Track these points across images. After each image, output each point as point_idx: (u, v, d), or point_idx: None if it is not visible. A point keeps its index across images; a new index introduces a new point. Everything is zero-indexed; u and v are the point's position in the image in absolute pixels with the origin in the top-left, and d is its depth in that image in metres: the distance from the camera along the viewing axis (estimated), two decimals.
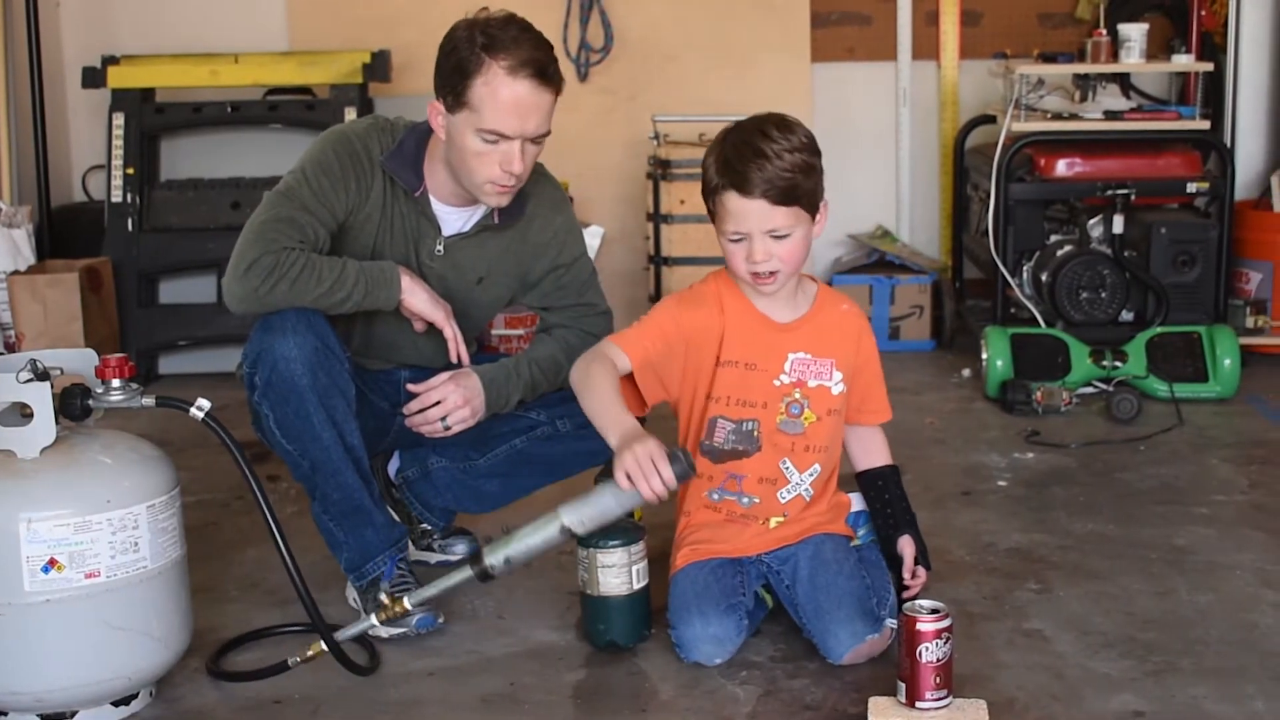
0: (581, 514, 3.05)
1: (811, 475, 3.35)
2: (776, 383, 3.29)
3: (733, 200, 3.12)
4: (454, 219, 3.51)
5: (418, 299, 3.41)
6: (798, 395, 3.30)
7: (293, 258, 3.25)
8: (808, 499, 3.37)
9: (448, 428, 3.46)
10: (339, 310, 3.34)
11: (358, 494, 3.38)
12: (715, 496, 3.35)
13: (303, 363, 3.23)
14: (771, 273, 3.17)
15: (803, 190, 3.11)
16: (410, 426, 3.50)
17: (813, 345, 3.31)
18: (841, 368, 3.33)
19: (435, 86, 3.34)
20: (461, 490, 3.75)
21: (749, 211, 3.11)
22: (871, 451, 3.51)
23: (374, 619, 3.10)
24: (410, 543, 3.75)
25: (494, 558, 3.06)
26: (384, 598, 3.08)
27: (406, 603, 3.07)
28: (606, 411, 3.11)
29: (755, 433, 3.30)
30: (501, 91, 3.23)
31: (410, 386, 3.50)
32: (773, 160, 3.08)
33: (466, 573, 3.08)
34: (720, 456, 3.33)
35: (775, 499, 3.35)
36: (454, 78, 3.27)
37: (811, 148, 3.15)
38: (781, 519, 3.36)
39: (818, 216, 3.20)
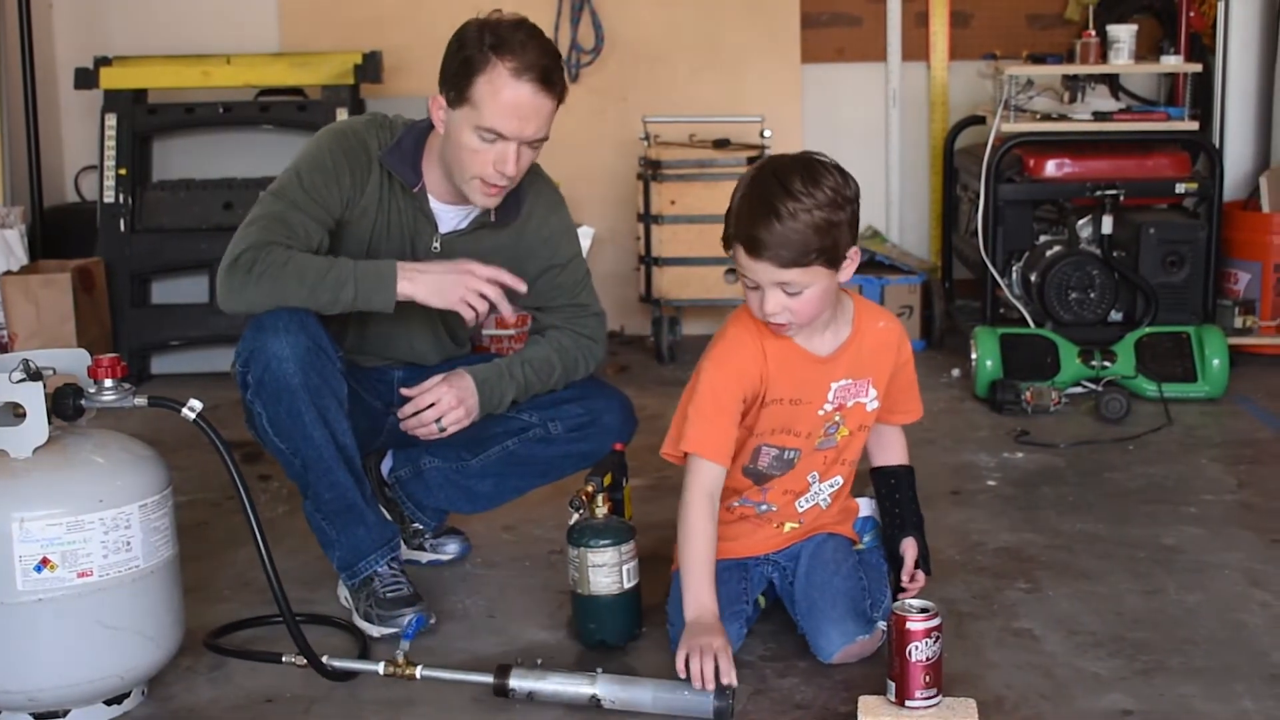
0: (616, 693, 3.00)
1: (832, 486, 3.37)
2: (821, 412, 3.27)
3: (741, 256, 3.03)
4: (451, 216, 3.51)
5: (421, 288, 3.32)
6: (837, 418, 3.30)
7: (275, 254, 3.25)
8: (824, 507, 3.38)
9: (443, 429, 3.47)
10: (330, 310, 3.32)
11: (350, 493, 3.39)
12: (735, 503, 3.36)
13: (294, 362, 3.24)
14: (788, 324, 3.10)
15: (816, 250, 2.97)
16: (405, 430, 3.50)
17: (854, 370, 3.27)
18: (878, 384, 3.32)
19: (440, 81, 3.34)
20: (454, 490, 3.75)
21: (754, 268, 3.01)
22: (889, 449, 3.51)
23: (380, 668, 3.08)
24: (402, 542, 3.77)
25: (519, 684, 3.02)
26: (400, 655, 3.07)
27: (418, 672, 3.06)
28: (695, 583, 3.13)
29: (795, 460, 3.31)
30: (504, 92, 3.24)
31: (404, 391, 3.50)
32: (784, 221, 2.94)
33: (487, 679, 3.04)
34: (760, 479, 3.33)
35: (793, 507, 3.36)
36: (459, 74, 3.27)
37: (835, 202, 2.99)
38: (796, 525, 3.37)
39: (845, 264, 3.08)
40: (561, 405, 3.61)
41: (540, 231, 3.61)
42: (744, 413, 3.24)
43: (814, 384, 3.24)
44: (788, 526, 3.37)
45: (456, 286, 3.34)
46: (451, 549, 3.91)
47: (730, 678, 2.96)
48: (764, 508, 3.36)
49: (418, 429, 3.48)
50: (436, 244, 3.51)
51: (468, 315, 3.36)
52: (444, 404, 3.44)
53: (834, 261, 3.03)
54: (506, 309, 3.44)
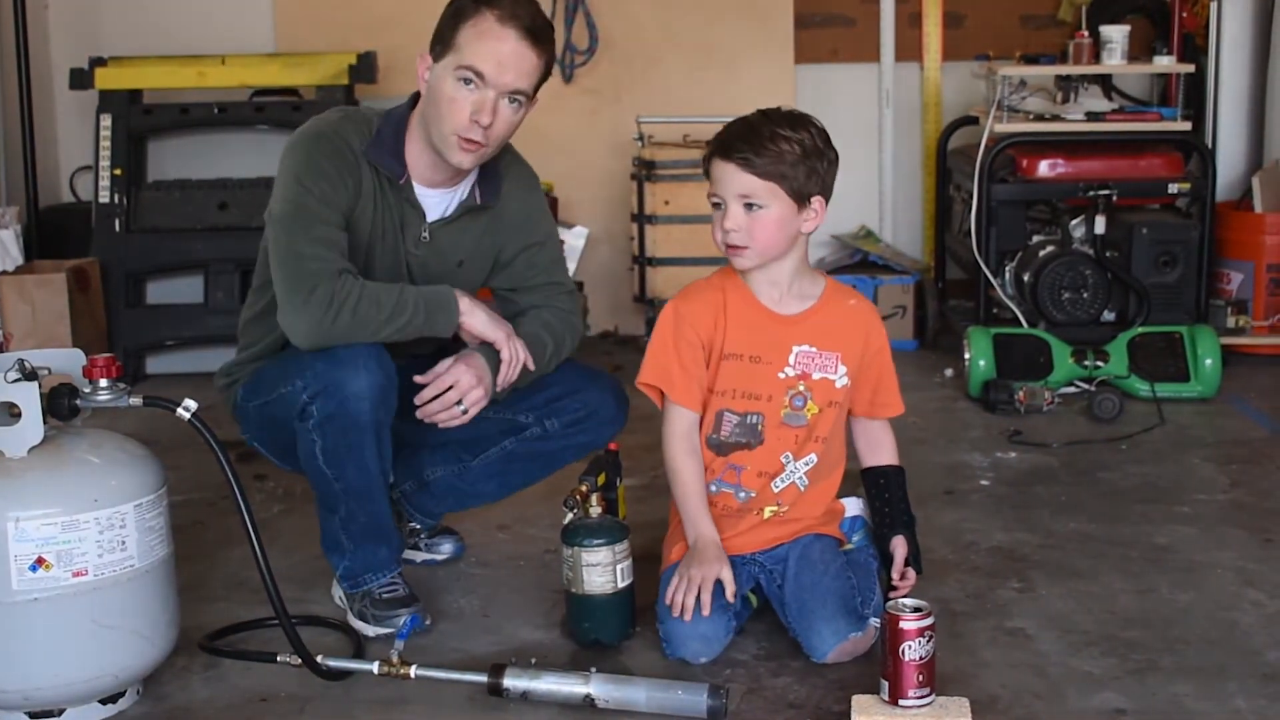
0: (610, 692, 3.01)
1: (807, 464, 3.37)
2: (781, 375, 3.32)
3: (715, 165, 3.24)
4: (436, 202, 3.50)
5: (477, 320, 3.39)
6: (801, 388, 3.33)
7: (348, 285, 3.24)
8: (801, 488, 3.38)
9: (464, 410, 3.41)
10: (398, 338, 3.30)
11: (385, 519, 3.41)
12: (713, 488, 3.37)
13: (370, 400, 3.22)
14: (742, 247, 3.23)
15: (783, 170, 3.17)
16: (424, 416, 3.42)
17: (818, 338, 3.34)
18: (847, 361, 3.35)
19: (430, 44, 3.37)
20: (460, 494, 3.75)
21: (724, 175, 3.21)
22: (879, 449, 3.52)
23: (375, 668, 3.08)
24: None
25: (513, 683, 3.03)
26: (395, 655, 3.07)
27: (412, 672, 3.07)
28: (690, 513, 3.33)
29: (759, 426, 3.33)
30: (487, 36, 3.27)
31: (418, 378, 3.42)
32: (763, 138, 3.17)
33: (481, 679, 3.04)
34: (725, 449, 3.36)
35: (769, 489, 3.37)
36: (446, 26, 3.32)
37: (812, 143, 3.21)
38: (775, 508, 3.37)
39: (807, 211, 3.24)
40: (555, 402, 3.59)
41: (520, 211, 3.61)
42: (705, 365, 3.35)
43: (774, 343, 3.32)
44: (768, 511, 3.38)
45: (503, 325, 3.44)
46: (446, 549, 3.91)
47: (707, 609, 3.17)
48: (743, 494, 3.37)
49: (440, 413, 3.40)
50: (425, 233, 3.50)
51: (504, 355, 3.41)
52: (464, 383, 3.38)
53: (798, 194, 3.21)
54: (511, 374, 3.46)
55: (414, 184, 3.47)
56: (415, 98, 3.49)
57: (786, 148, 3.16)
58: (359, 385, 3.21)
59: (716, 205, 3.25)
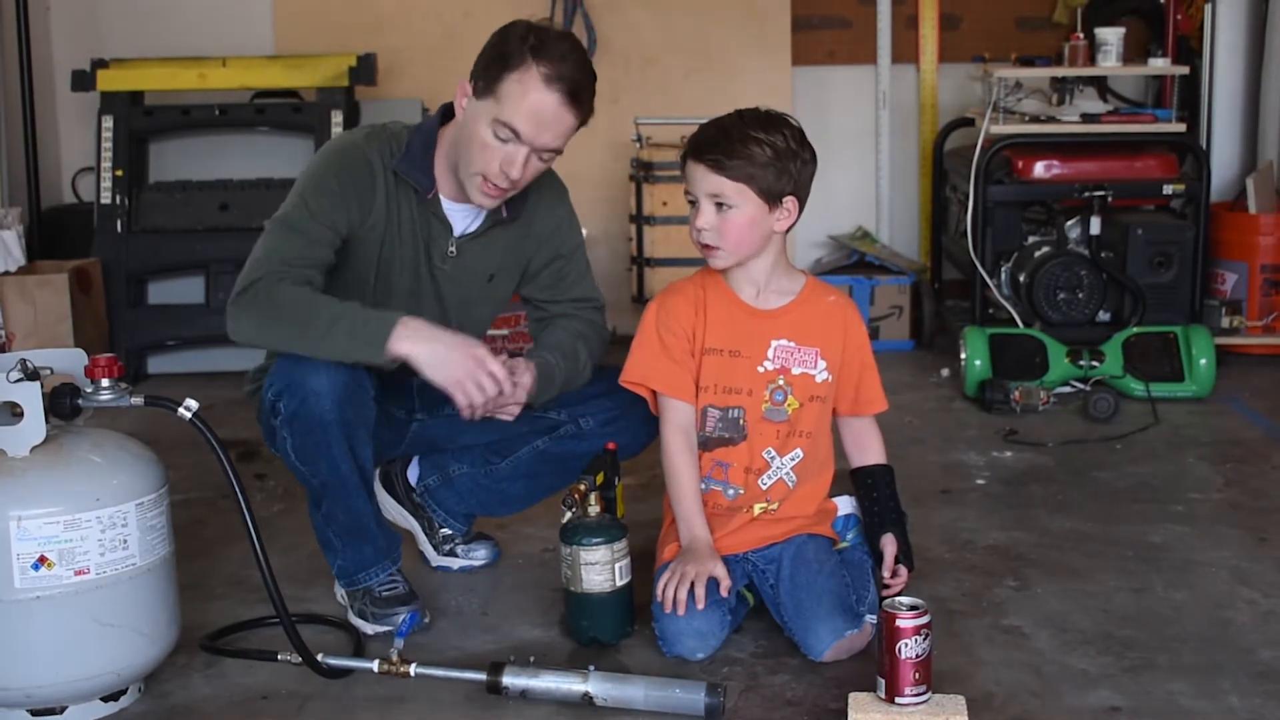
0: (609, 690, 3.02)
1: (793, 459, 3.39)
2: (760, 369, 3.34)
3: (688, 166, 3.28)
4: (464, 217, 3.50)
5: (423, 353, 3.22)
6: (781, 382, 3.35)
7: (282, 290, 3.23)
8: (790, 485, 3.39)
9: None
10: (327, 355, 3.21)
11: (365, 517, 3.40)
12: (702, 486, 3.39)
13: (332, 399, 3.22)
14: (714, 246, 3.27)
15: (753, 171, 3.20)
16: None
17: (796, 333, 3.36)
18: (827, 356, 3.37)
19: (472, 71, 3.33)
20: (485, 494, 3.76)
21: (694, 175, 3.26)
22: (866, 449, 3.53)
23: (375, 666, 3.09)
24: (433, 549, 3.82)
25: (512, 681, 3.04)
26: (394, 653, 3.08)
27: (412, 670, 3.08)
28: (684, 513, 3.36)
29: (741, 420, 3.35)
30: (531, 93, 3.25)
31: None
32: (732, 139, 3.21)
33: (480, 677, 3.05)
34: (710, 445, 3.38)
35: (757, 486, 3.38)
36: (492, 66, 3.28)
37: (785, 144, 3.23)
38: (765, 505, 3.39)
39: (779, 211, 3.26)
40: (590, 400, 3.59)
41: (548, 222, 3.62)
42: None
43: (752, 337, 3.35)
44: (758, 508, 3.39)
45: (460, 365, 3.25)
46: (481, 554, 3.88)
47: (701, 603, 3.20)
48: (731, 491, 3.39)
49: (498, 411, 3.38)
50: (452, 248, 3.50)
51: (460, 401, 3.26)
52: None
53: (768, 194, 3.24)
54: (508, 415, 3.40)
55: (441, 198, 3.47)
56: (446, 111, 3.48)
57: (758, 150, 3.19)
58: (318, 383, 3.21)
59: (693, 203, 3.29)
